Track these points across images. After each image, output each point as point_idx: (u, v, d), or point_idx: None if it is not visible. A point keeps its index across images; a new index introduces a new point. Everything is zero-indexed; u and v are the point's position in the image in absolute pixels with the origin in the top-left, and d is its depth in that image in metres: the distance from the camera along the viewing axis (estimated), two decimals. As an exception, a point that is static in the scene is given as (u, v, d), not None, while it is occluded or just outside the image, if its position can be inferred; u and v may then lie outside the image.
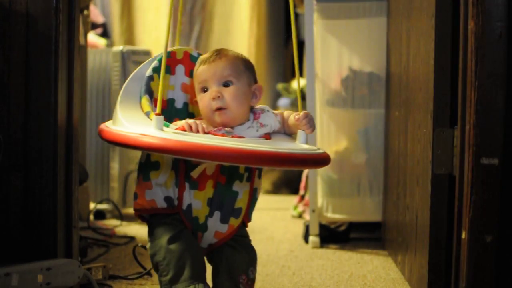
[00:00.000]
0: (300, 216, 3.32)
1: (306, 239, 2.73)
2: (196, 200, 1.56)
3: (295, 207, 3.37)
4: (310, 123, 1.55)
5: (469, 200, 1.56)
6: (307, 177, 3.05)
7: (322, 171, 2.75)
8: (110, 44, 4.50)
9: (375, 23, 2.71)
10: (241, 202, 1.59)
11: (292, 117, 1.58)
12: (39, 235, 1.75)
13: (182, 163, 1.55)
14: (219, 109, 1.55)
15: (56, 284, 1.69)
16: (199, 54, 1.70)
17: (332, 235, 2.74)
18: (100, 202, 3.16)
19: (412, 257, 2.06)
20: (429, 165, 1.82)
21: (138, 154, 3.39)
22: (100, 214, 3.14)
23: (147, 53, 3.26)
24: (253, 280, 1.60)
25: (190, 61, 1.69)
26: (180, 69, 1.68)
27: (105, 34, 4.61)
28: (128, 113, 1.52)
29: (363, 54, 2.75)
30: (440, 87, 1.80)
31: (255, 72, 1.66)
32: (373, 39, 2.72)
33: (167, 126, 1.46)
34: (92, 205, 3.10)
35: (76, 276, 1.74)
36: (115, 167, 3.18)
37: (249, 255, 1.61)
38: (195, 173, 1.54)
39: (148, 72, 1.62)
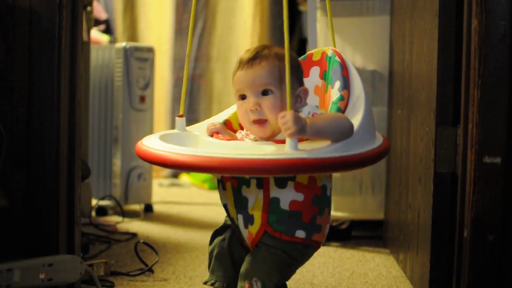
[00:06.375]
0: (302, 213, 3.31)
1: (307, 236, 2.73)
2: (226, 200, 1.49)
3: (297, 205, 3.37)
4: (286, 125, 1.25)
5: (472, 198, 1.55)
6: (309, 174, 3.04)
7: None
8: (113, 41, 4.50)
9: (378, 21, 2.71)
10: (253, 209, 1.43)
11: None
12: (41, 231, 1.75)
13: None
14: (257, 121, 1.41)
15: (58, 280, 1.69)
16: (333, 53, 1.55)
17: (333, 233, 2.73)
18: (102, 199, 3.16)
19: (414, 256, 2.06)
20: (431, 163, 1.82)
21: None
22: (102, 211, 3.15)
23: (150, 50, 3.26)
24: None
25: (325, 61, 1.56)
26: (315, 71, 1.57)
27: (108, 30, 4.61)
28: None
29: (366, 52, 2.75)
30: (443, 86, 1.80)
31: (302, 71, 1.51)
32: (376, 37, 2.72)
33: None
34: (94, 202, 3.10)
35: (78, 272, 1.74)
36: (117, 163, 3.18)
37: (255, 265, 1.44)
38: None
39: None
